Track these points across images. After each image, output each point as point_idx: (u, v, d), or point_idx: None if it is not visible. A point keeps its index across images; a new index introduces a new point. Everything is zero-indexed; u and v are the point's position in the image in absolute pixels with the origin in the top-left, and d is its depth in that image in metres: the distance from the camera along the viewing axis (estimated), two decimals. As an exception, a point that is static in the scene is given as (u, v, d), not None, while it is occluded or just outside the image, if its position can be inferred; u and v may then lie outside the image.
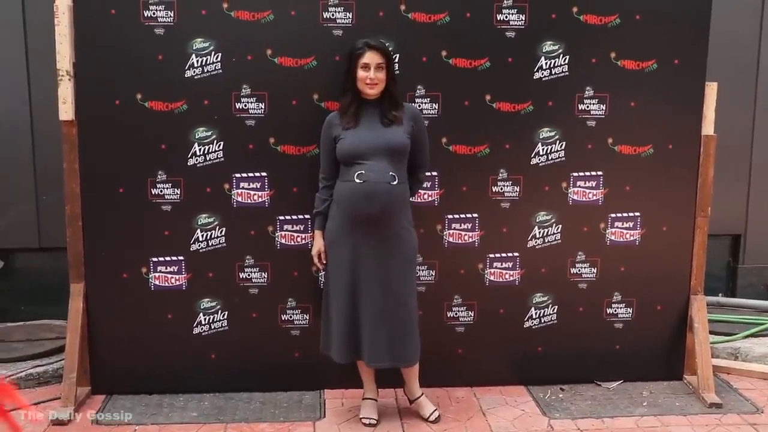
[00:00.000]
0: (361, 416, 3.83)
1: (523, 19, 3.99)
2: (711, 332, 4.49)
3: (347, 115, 3.65)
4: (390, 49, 3.89)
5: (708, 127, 4.17)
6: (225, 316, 4.11)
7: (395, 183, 3.59)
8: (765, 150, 5.55)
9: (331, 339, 3.77)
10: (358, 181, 3.57)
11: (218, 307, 4.10)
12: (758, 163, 5.56)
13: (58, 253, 4.54)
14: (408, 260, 3.71)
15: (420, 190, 3.96)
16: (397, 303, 3.66)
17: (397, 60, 3.94)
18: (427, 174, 3.94)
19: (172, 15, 3.86)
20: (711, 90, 4.15)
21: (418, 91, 3.97)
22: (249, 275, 4.08)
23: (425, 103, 4.00)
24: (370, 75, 3.57)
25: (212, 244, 4.05)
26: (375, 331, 3.65)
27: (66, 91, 3.84)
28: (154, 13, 3.86)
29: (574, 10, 4.01)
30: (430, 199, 4.08)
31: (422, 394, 3.90)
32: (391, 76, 3.64)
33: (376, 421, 3.80)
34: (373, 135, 3.61)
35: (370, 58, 3.58)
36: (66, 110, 3.86)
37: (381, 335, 3.65)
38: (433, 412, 3.86)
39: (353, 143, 3.60)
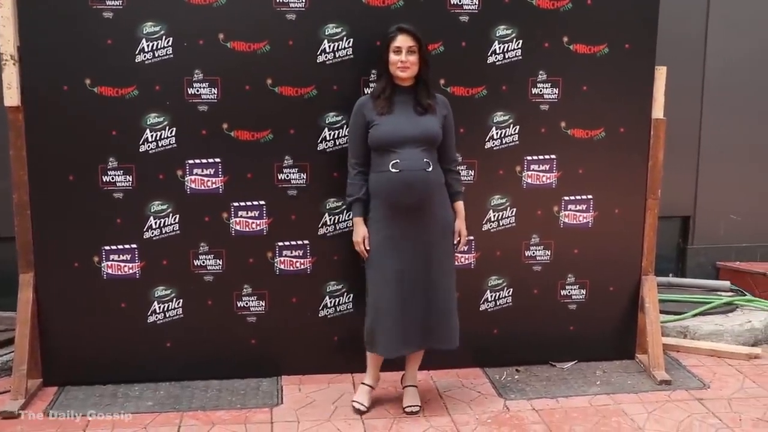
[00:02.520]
0: (353, 399, 3.74)
1: (477, 3, 3.91)
2: (661, 311, 4.50)
3: (381, 100, 3.53)
4: (344, 33, 3.80)
5: (658, 111, 4.15)
6: (180, 304, 3.97)
7: (430, 170, 3.52)
8: (713, 133, 5.57)
9: (376, 334, 3.61)
10: (394, 170, 3.48)
11: (173, 295, 3.96)
12: (706, 145, 5.58)
13: (5, 244, 4.35)
14: (447, 245, 3.66)
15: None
16: (444, 286, 3.62)
17: (350, 44, 3.84)
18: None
19: (121, -2, 3.70)
20: (660, 74, 4.12)
21: (372, 75, 3.85)
22: (204, 262, 3.95)
23: (378, 88, 3.89)
24: (402, 58, 3.48)
25: (166, 232, 3.90)
26: (427, 318, 3.60)
27: (11, 76, 3.66)
28: (102, -4, 3.69)
29: (527, -6, 3.94)
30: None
31: (416, 385, 3.83)
32: (423, 62, 3.54)
33: (366, 409, 3.69)
34: (408, 123, 3.52)
35: (402, 41, 3.48)
36: (11, 95, 3.68)
37: (431, 320, 3.61)
38: (414, 405, 3.74)
39: (389, 131, 3.50)
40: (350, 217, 3.75)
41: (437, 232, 3.60)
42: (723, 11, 5.45)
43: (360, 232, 3.61)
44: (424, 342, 3.66)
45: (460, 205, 3.72)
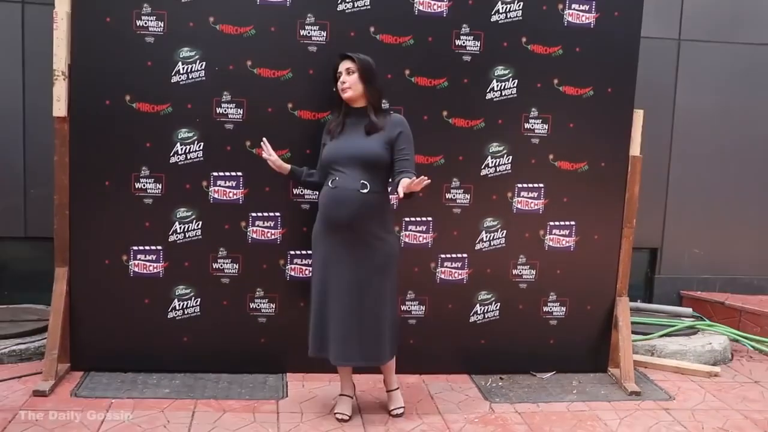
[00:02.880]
0: (335, 411, 3.78)
1: (478, 45, 4.19)
2: (632, 332, 4.68)
3: (334, 122, 3.74)
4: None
5: (635, 149, 4.41)
6: (198, 303, 4.17)
7: (365, 191, 3.53)
8: (680, 172, 5.80)
9: (310, 336, 3.74)
10: (331, 186, 3.60)
11: (192, 294, 4.16)
12: (674, 183, 5.80)
13: (43, 243, 4.52)
14: (377, 266, 3.59)
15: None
16: (364, 306, 3.58)
17: (364, 76, 4.08)
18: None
19: (162, 25, 3.96)
20: (638, 116, 4.39)
21: (383, 104, 4.07)
22: (222, 266, 4.16)
23: (390, 115, 4.14)
24: (342, 79, 3.67)
25: (189, 236, 4.12)
26: (339, 331, 3.60)
27: (60, 90, 3.90)
28: (145, 23, 3.95)
29: (523, 39, 4.23)
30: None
31: (397, 388, 3.90)
32: (367, 84, 3.64)
33: (348, 417, 3.74)
34: (350, 145, 3.61)
35: (341, 65, 3.67)
36: (59, 107, 3.92)
37: (347, 335, 3.59)
38: (398, 408, 3.84)
39: (330, 152, 3.67)
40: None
41: (369, 254, 3.57)
42: (691, 64, 5.74)
43: (276, 159, 3.79)
44: (361, 357, 3.63)
45: (404, 179, 3.47)
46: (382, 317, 3.64)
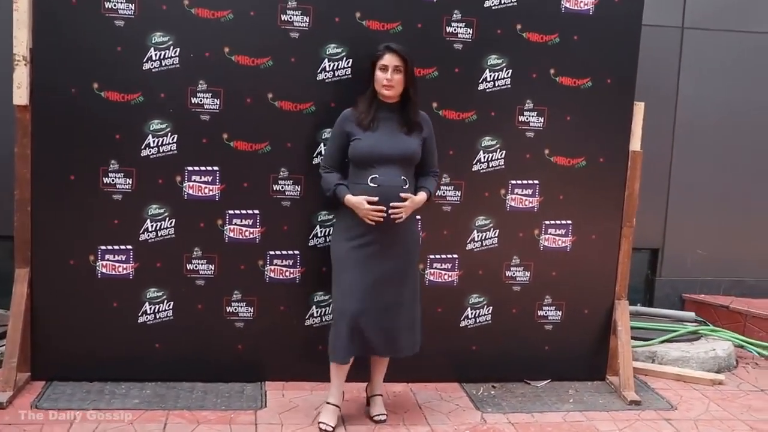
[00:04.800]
0: (319, 420, 3.73)
1: (471, 32, 4.14)
2: (631, 338, 4.66)
3: (365, 115, 3.67)
4: (344, 53, 3.98)
5: (635, 143, 4.39)
6: (171, 307, 4.10)
7: (406, 187, 3.64)
8: (683, 169, 5.78)
9: (336, 341, 3.68)
10: (372, 185, 3.60)
11: (164, 297, 4.08)
12: (676, 181, 5.79)
13: (1, 242, 4.43)
14: (412, 259, 3.79)
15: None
16: (404, 297, 3.71)
17: (349, 65, 4.03)
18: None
19: (132, 8, 3.88)
20: (639, 109, 4.37)
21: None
22: (196, 266, 4.09)
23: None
24: (387, 76, 3.61)
25: (161, 235, 4.04)
26: (385, 324, 3.66)
27: (21, 76, 3.81)
28: (115, 5, 3.87)
29: (518, 27, 4.18)
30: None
31: (382, 394, 3.94)
32: (410, 82, 3.67)
33: (332, 429, 3.69)
34: (393, 142, 3.64)
35: (389, 60, 3.63)
36: (20, 95, 3.82)
37: (394, 327, 3.68)
38: (382, 414, 3.84)
39: (370, 147, 3.62)
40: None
41: (406, 247, 3.73)
42: (694, 54, 5.72)
43: (359, 200, 3.59)
44: (384, 351, 3.76)
45: (421, 194, 3.73)
46: (416, 308, 3.83)
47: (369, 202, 3.58)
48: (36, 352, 4.00)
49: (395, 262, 3.69)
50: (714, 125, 5.80)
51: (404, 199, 3.63)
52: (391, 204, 3.60)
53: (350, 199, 3.63)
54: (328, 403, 3.78)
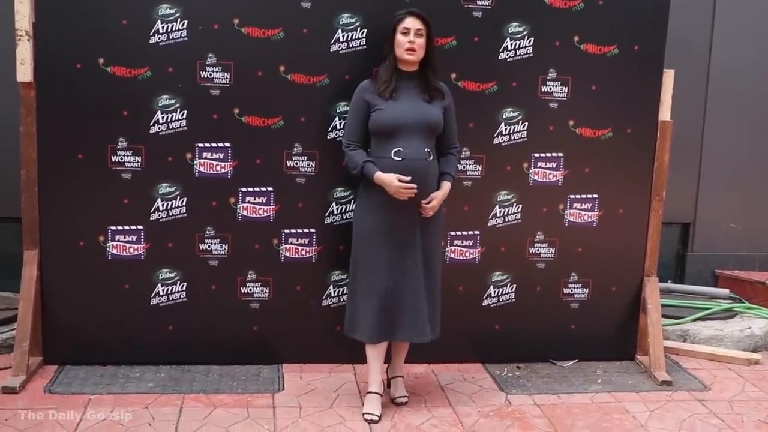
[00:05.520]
0: (364, 411, 3.63)
1: (490, -1, 4.03)
2: (662, 316, 4.57)
3: (385, 85, 3.59)
4: (358, 23, 3.89)
5: (665, 113, 4.28)
6: (183, 288, 4.06)
7: (430, 159, 3.59)
8: (715, 140, 5.72)
9: (359, 319, 3.64)
10: (396, 158, 3.53)
11: (177, 278, 4.04)
12: (708, 153, 5.73)
13: (9, 224, 4.40)
14: (437, 235, 3.75)
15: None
16: (432, 276, 3.68)
17: (364, 35, 3.94)
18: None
19: (137, -22, 3.80)
20: (668, 77, 4.26)
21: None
22: (209, 246, 4.04)
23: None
24: (410, 38, 3.54)
25: (173, 214, 3.99)
26: (414, 305, 3.61)
27: (24, 52, 3.75)
28: (119, -24, 3.79)
29: (540, -9, 4.07)
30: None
31: (403, 376, 3.88)
32: (431, 48, 3.61)
33: (378, 418, 3.60)
34: (412, 110, 3.57)
35: (411, 23, 3.56)
36: (24, 71, 3.77)
37: (421, 308, 3.62)
38: (403, 396, 3.80)
39: (392, 117, 3.55)
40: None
41: (430, 221, 3.66)
42: (728, 17, 5.61)
43: (391, 177, 3.50)
44: (411, 333, 3.66)
45: (445, 184, 3.68)
46: (438, 289, 3.75)
47: (400, 180, 3.50)
48: (47, 336, 3.98)
49: (423, 242, 3.63)
50: (748, 93, 5.70)
51: (427, 170, 3.57)
52: (420, 206, 3.57)
53: (381, 176, 3.52)
54: (369, 392, 3.70)
